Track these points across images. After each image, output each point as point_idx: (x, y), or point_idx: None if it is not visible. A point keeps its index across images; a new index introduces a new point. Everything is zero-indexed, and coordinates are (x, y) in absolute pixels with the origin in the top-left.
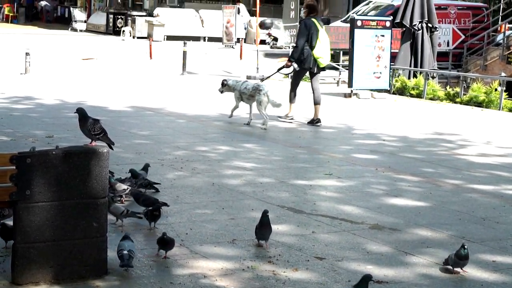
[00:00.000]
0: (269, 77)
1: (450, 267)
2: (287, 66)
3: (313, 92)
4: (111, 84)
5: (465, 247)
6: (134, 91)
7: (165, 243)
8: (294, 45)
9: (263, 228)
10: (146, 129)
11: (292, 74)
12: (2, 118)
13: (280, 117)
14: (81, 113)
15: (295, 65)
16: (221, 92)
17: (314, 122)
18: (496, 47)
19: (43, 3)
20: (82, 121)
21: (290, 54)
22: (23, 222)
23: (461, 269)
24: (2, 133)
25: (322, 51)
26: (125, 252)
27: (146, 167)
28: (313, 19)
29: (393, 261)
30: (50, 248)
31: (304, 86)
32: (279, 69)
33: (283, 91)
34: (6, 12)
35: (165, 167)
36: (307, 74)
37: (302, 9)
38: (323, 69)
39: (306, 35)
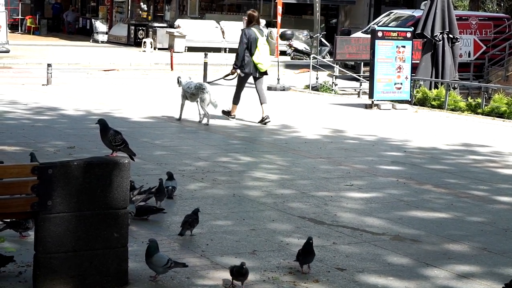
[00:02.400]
0: (213, 81)
1: None
2: (232, 73)
3: (258, 94)
4: (133, 95)
5: None
6: (156, 102)
7: (243, 274)
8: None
9: (307, 254)
10: (167, 140)
11: (237, 80)
12: (24, 129)
13: (223, 112)
14: (102, 124)
15: (239, 71)
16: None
17: (263, 120)
18: None
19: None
20: (103, 132)
21: (234, 62)
22: (45, 233)
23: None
24: (24, 144)
25: (261, 58)
26: (172, 259)
27: (171, 176)
28: (253, 28)
29: (414, 272)
30: (71, 258)
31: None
32: (224, 76)
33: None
34: (28, 24)
35: (186, 178)
36: (251, 79)
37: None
38: (265, 73)
39: (246, 43)
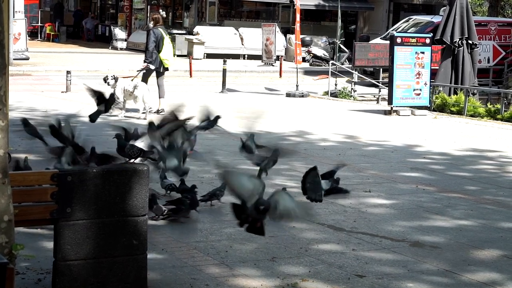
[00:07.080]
0: (133, 78)
1: None
2: (144, 68)
3: (158, 88)
4: (152, 102)
5: None
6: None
7: None
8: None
9: None
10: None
11: (142, 74)
12: (43, 136)
13: (156, 112)
14: (118, 140)
15: (151, 66)
16: (108, 84)
17: (159, 112)
18: None
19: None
20: (120, 148)
21: (144, 57)
22: (64, 240)
23: None
24: (44, 151)
25: (167, 55)
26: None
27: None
28: (160, 28)
29: (434, 279)
30: (91, 265)
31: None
32: (139, 71)
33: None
34: (47, 31)
35: (205, 184)
36: (154, 73)
37: (149, 21)
38: (167, 69)
39: (154, 41)
